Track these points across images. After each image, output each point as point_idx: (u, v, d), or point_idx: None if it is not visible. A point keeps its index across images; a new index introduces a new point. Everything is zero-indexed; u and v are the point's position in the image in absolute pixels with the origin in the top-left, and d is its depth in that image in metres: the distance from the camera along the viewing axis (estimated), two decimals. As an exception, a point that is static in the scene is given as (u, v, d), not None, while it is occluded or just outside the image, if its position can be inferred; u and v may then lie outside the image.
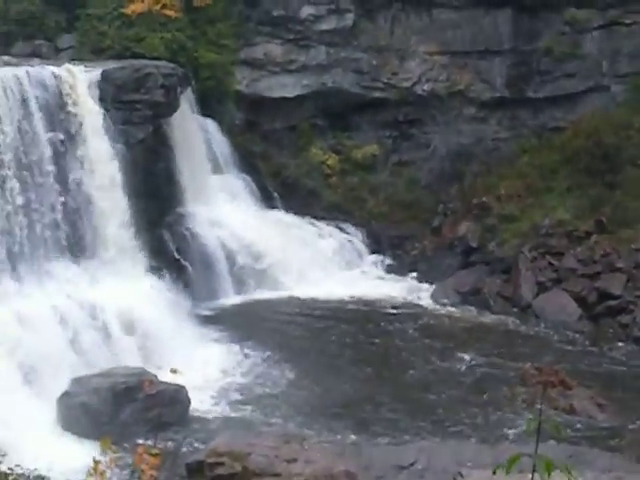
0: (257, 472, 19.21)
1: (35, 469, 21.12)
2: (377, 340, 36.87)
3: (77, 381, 29.41)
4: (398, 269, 44.67)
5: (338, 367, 33.97)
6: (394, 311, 39.80)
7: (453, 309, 40.22)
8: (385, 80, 47.64)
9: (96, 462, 8.44)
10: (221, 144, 44.34)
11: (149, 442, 26.15)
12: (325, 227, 45.50)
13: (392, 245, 45.93)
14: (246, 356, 34.29)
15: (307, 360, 34.32)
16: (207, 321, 37.06)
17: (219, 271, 40.74)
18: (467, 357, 34.77)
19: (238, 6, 45.60)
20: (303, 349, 35.45)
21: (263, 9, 46.07)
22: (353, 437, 28.17)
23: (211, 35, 44.70)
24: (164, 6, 42.62)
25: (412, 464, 20.09)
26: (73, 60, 40.24)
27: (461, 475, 16.44)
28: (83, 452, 25.85)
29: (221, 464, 19.86)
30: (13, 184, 33.54)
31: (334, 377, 33.00)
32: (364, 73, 47.57)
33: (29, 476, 20.18)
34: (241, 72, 45.98)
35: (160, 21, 42.60)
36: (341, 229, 45.84)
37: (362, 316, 39.18)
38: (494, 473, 8.58)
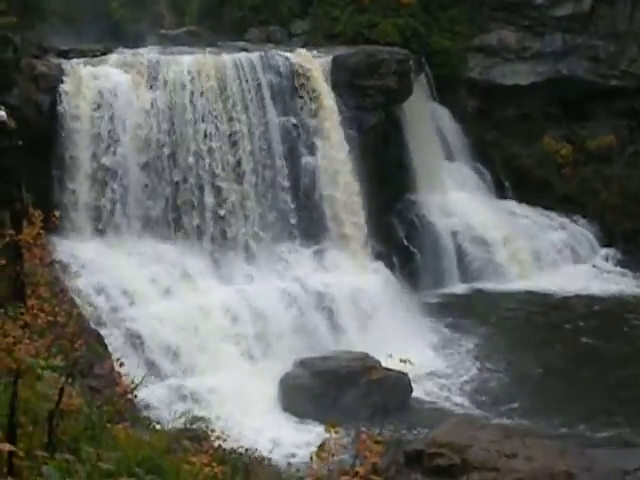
0: (476, 465, 17.93)
1: (256, 448, 20.66)
2: (606, 338, 34.45)
3: (301, 363, 29.09)
4: (631, 264, 42.10)
5: (563, 364, 32.09)
6: (626, 309, 37.25)
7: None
8: (623, 68, 45.01)
9: (323, 443, 7.67)
10: (453, 131, 43.27)
11: (371, 428, 25.26)
12: (557, 218, 43.53)
13: (625, 239, 43.34)
14: (471, 347, 33.08)
15: (532, 355, 32.60)
16: (432, 309, 36.04)
17: (447, 259, 39.72)
18: None
19: (472, -8, 44.27)
20: (528, 343, 33.82)
21: (497, -5, 44.56)
22: (575, 435, 26.28)
23: (444, 21, 43.63)
24: (397, -9, 41.82)
25: (638, 469, 18.20)
26: (305, 46, 40.09)
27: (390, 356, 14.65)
28: (303, 433, 25.95)
29: (440, 455, 18.71)
30: (246, 168, 33.76)
31: (559, 374, 31.23)
32: (601, 61, 45.10)
33: (250, 455, 19.65)
34: (474, 59, 44.61)
35: (392, 7, 41.81)
36: (573, 221, 43.69)
37: (591, 312, 37.02)
38: None
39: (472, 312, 36.30)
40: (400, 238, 38.93)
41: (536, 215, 43.27)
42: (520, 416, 27.64)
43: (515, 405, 28.56)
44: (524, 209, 43.36)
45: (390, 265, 36.38)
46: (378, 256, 36.30)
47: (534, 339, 34.30)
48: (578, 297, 38.39)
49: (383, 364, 27.20)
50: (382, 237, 37.18)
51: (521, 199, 43.67)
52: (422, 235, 39.48)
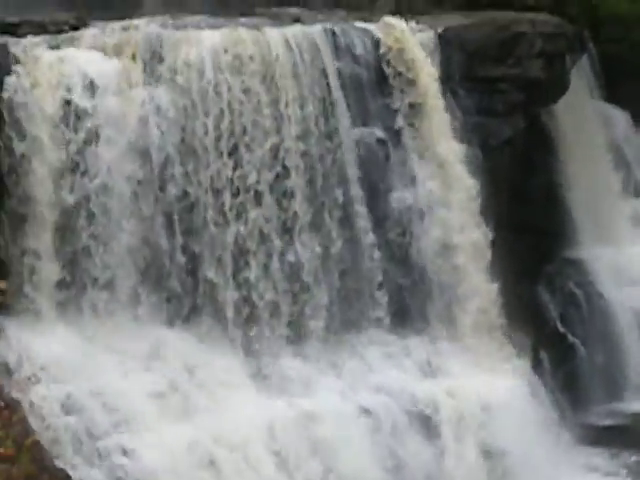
0: None
1: None
2: None
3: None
4: None
5: None
6: None
7: None
8: None
9: None
10: (636, 148, 43.44)
11: None
12: None
13: None
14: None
15: None
16: (603, 436, 36.17)
17: (629, 356, 39.92)
18: None
19: None
20: None
21: None
22: None
23: (621, -30, 43.41)
24: None
25: None
26: (397, 12, 39.72)
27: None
28: None
29: None
30: (300, 212, 33.72)
31: None
32: None
33: None
34: (670, 32, 44.23)
35: (539, -54, 41.63)
36: None
37: None
38: None
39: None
40: (552, 320, 39.04)
41: None
42: None
43: None
44: None
45: (537, 365, 36.24)
46: (517, 350, 35.88)
47: None
48: None
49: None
50: (523, 320, 36.65)
51: None
52: (588, 316, 39.55)
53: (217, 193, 32.68)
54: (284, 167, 33.35)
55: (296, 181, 33.50)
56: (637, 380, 39.34)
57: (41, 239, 31.27)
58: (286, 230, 33.39)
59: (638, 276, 40.77)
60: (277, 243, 33.22)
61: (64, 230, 31.38)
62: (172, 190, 32.32)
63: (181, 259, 32.46)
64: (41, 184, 31.21)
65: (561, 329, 38.90)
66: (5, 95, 31.08)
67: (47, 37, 33.38)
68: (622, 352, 39.39)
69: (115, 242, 31.64)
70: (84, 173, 31.50)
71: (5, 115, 31.01)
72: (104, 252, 31.56)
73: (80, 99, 31.70)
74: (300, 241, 33.52)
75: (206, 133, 32.65)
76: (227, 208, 32.67)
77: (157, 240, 32.17)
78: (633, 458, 34.69)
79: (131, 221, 31.82)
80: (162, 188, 32.23)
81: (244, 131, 32.98)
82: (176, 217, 32.33)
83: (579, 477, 33.26)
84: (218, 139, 32.67)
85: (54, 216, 31.29)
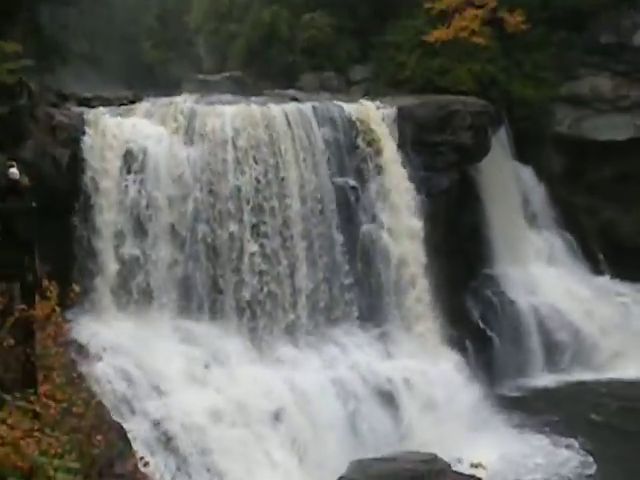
0: None
1: None
2: None
3: (358, 465, 28.53)
4: None
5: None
6: None
7: None
8: None
9: None
10: (538, 195, 43.36)
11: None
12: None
13: None
14: (554, 450, 32.47)
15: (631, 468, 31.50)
16: (512, 404, 35.80)
17: (530, 345, 39.45)
18: None
19: (559, 33, 44.27)
20: (625, 451, 32.47)
21: (589, 36, 44.51)
22: None
23: (527, 67, 43.79)
24: (472, 33, 42.18)
25: None
26: (367, 94, 40.28)
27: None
28: None
29: None
30: (295, 236, 33.84)
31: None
32: None
33: None
34: (562, 110, 44.66)
35: (468, 50, 42.11)
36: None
37: None
38: None
39: (558, 408, 35.70)
40: (475, 320, 38.90)
41: (635, 293, 42.62)
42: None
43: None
44: (622, 287, 42.80)
45: (463, 351, 36.20)
46: (449, 341, 36.13)
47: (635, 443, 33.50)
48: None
49: (453, 467, 26.86)
50: (454, 318, 36.98)
51: (618, 275, 43.11)
52: (501, 316, 39.38)
53: (237, 222, 32.97)
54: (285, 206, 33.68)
55: (293, 216, 33.82)
56: (536, 363, 39.04)
57: (106, 254, 31.55)
58: (285, 247, 33.60)
59: (537, 287, 40.59)
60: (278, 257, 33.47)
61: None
62: (203, 218, 32.66)
63: (205, 277, 32.69)
64: (108, 212, 31.46)
65: (482, 326, 38.66)
66: (80, 152, 31.54)
67: (112, 108, 33.80)
68: (525, 342, 39.00)
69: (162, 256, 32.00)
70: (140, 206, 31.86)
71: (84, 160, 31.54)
72: (153, 266, 31.92)
73: (134, 156, 32.01)
74: (295, 255, 33.82)
75: (230, 180, 33.02)
76: (246, 239, 32.90)
77: (188, 262, 32.42)
78: (531, 417, 34.55)
79: (172, 241, 32.08)
80: (195, 221, 32.55)
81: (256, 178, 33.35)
82: (203, 248, 32.56)
83: (495, 429, 33.03)
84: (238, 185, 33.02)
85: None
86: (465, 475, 26.44)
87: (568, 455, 32.30)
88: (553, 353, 39.51)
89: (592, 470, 31.31)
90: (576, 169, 44.92)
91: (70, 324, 27.45)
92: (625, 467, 31.22)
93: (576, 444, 32.86)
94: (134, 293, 31.88)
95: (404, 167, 36.56)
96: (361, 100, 37.82)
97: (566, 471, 31.40)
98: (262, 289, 33.06)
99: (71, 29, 39.58)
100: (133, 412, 28.45)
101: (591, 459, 31.88)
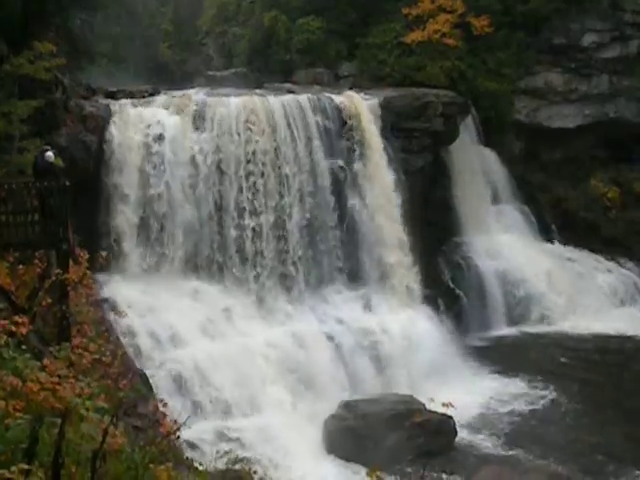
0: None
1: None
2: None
3: (346, 405, 28.82)
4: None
5: (609, 408, 31.38)
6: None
7: None
8: (674, 110, 44.56)
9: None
10: (500, 174, 43.09)
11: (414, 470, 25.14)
12: (603, 262, 42.99)
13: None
14: (516, 391, 32.53)
15: (577, 400, 31.89)
16: (478, 352, 35.66)
17: (493, 302, 39.32)
18: None
19: (518, 34, 44.11)
20: (572, 388, 32.95)
21: (544, 37, 44.34)
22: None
23: (491, 64, 43.60)
24: (444, 35, 41.96)
25: None
26: (353, 87, 40.17)
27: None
28: (347, 475, 25.59)
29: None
30: (294, 209, 33.74)
31: (602, 417, 30.53)
32: (649, 102, 44.71)
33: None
34: (521, 101, 44.51)
35: (439, 50, 41.81)
36: (620, 264, 43.10)
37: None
38: None
39: (518, 355, 35.79)
40: (446, 280, 38.74)
41: (583, 258, 42.79)
42: (563, 462, 26.88)
43: (557, 451, 27.76)
44: (570, 252, 42.93)
45: (436, 307, 36.16)
46: (424, 298, 36.12)
47: (580, 383, 33.51)
48: (625, 339, 37.64)
49: (428, 406, 27.00)
50: (428, 280, 36.91)
51: (567, 242, 43.33)
52: (468, 277, 39.25)
53: (243, 198, 32.88)
54: (283, 184, 33.53)
55: (292, 192, 33.75)
56: (498, 317, 39.00)
57: (129, 225, 31.49)
58: (284, 219, 33.49)
59: (498, 252, 40.45)
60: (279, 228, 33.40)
61: (144, 221, 31.79)
62: (213, 194, 32.61)
63: (215, 239, 32.56)
64: (130, 190, 31.42)
65: (451, 286, 38.51)
66: (109, 133, 31.46)
67: (134, 100, 33.60)
68: (489, 299, 38.90)
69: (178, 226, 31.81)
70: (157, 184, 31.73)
71: (111, 145, 31.38)
72: (170, 234, 31.79)
73: (153, 139, 31.85)
74: (294, 226, 33.68)
75: (236, 162, 32.86)
76: (247, 212, 32.80)
77: (201, 225, 32.30)
78: (496, 363, 34.48)
79: (186, 212, 31.91)
80: (206, 196, 32.47)
81: (259, 160, 33.19)
82: (213, 208, 32.46)
83: (464, 373, 33.02)
84: (242, 165, 32.88)
85: (138, 212, 31.59)
86: (437, 413, 26.87)
87: (528, 390, 32.42)
88: (513, 309, 39.44)
89: (552, 396, 31.78)
90: (532, 152, 45.02)
91: (99, 285, 27.59)
92: (575, 395, 31.92)
93: (535, 382, 32.95)
94: (155, 256, 31.90)
95: (385, 150, 36.42)
96: (348, 92, 37.63)
97: (529, 399, 31.71)
98: (266, 255, 33.07)
99: (98, 32, 39.35)
100: (153, 361, 28.38)
101: (548, 391, 32.27)
